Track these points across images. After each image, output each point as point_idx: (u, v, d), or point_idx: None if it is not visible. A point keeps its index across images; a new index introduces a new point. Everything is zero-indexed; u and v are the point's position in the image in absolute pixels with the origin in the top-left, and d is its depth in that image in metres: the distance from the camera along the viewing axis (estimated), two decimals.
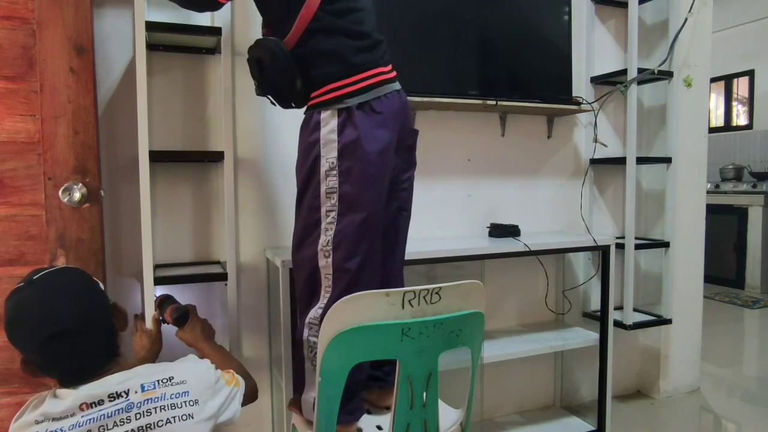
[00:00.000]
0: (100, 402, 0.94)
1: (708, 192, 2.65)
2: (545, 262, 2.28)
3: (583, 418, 2.27)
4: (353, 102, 1.20)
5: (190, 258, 1.76)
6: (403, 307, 1.02)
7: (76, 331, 0.96)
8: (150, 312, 1.43)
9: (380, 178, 1.24)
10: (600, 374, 2.10)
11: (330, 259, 1.22)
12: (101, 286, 1.11)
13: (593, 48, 2.36)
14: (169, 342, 1.45)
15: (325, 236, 1.22)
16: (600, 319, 2.12)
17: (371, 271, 1.26)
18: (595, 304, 2.32)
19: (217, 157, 1.68)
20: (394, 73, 1.30)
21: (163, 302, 1.47)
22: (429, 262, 1.79)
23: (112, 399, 0.95)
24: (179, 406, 0.99)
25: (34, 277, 1.00)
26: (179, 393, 1.01)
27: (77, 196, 1.34)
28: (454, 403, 1.36)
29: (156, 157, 1.54)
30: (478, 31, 2.02)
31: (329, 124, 1.20)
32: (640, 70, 2.24)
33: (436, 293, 1.05)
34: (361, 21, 1.25)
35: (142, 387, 0.98)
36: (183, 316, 1.40)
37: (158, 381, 1.00)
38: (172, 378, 1.02)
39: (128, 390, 0.96)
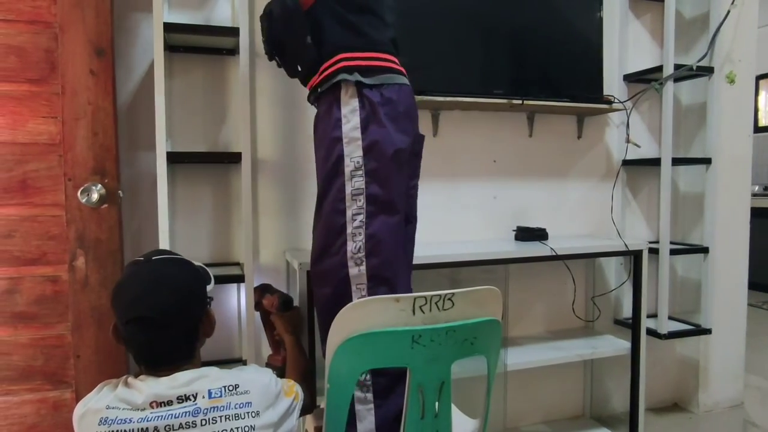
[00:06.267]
0: (169, 402, 0.96)
1: (755, 195, 2.51)
2: (575, 267, 2.19)
3: (615, 430, 2.17)
4: (367, 80, 1.11)
5: (210, 259, 1.77)
6: (413, 314, 0.98)
7: (158, 324, 0.99)
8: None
9: (405, 177, 1.18)
10: (632, 385, 2.01)
11: (363, 267, 1.12)
12: (211, 285, 1.14)
13: (627, 44, 2.26)
14: None
15: (354, 242, 1.13)
16: (632, 327, 2.02)
17: (406, 279, 1.18)
18: (628, 312, 2.22)
19: (236, 158, 1.68)
20: (404, 71, 1.24)
21: (264, 290, 1.50)
22: (453, 265, 1.75)
23: (181, 401, 0.96)
24: (242, 416, 0.99)
25: (153, 258, 1.06)
26: (243, 403, 1.00)
27: (95, 197, 1.36)
28: (474, 411, 1.31)
29: (175, 158, 1.55)
30: (504, 27, 1.96)
31: (351, 121, 1.12)
32: (677, 66, 2.12)
33: (449, 299, 1.01)
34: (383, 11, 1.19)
35: (210, 393, 0.98)
36: (289, 301, 1.43)
37: (224, 387, 1.00)
38: (238, 386, 1.01)
39: (196, 394, 0.97)
